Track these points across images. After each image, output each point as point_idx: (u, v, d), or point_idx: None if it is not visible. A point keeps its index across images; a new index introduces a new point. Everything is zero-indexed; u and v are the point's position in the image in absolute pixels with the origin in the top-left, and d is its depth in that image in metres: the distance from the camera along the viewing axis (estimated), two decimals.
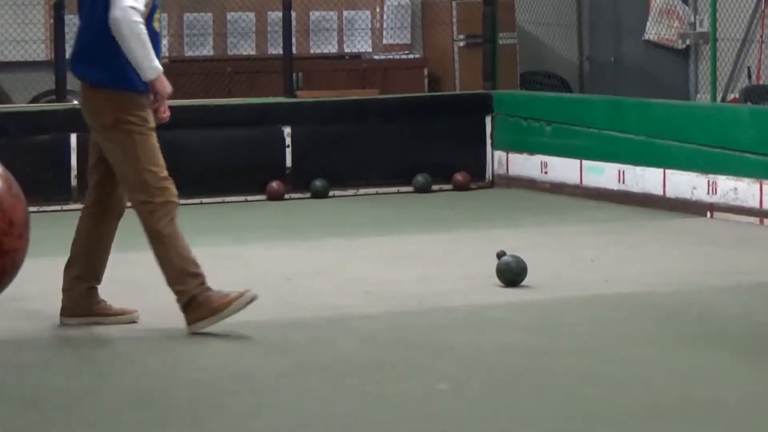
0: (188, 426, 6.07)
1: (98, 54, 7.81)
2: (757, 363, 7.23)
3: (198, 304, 7.75)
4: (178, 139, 13.37)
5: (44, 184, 12.25)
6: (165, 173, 7.95)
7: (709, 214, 11.83)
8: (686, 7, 15.96)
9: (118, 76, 7.73)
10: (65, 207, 12.68)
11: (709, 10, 13.83)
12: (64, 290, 7.95)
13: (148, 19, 7.76)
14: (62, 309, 7.95)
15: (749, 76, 15.23)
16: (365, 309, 8.45)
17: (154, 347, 7.72)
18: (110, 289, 8.21)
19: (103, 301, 8.05)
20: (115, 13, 7.55)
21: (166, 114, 8.00)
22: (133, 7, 7.56)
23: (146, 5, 7.67)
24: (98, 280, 8.05)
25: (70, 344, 7.76)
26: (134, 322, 8.05)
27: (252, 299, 7.78)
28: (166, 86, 7.79)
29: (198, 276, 7.80)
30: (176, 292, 7.79)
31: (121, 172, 7.91)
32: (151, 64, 7.66)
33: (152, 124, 7.84)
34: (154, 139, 7.90)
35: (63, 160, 13.06)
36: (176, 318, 7.75)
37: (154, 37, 7.92)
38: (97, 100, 7.90)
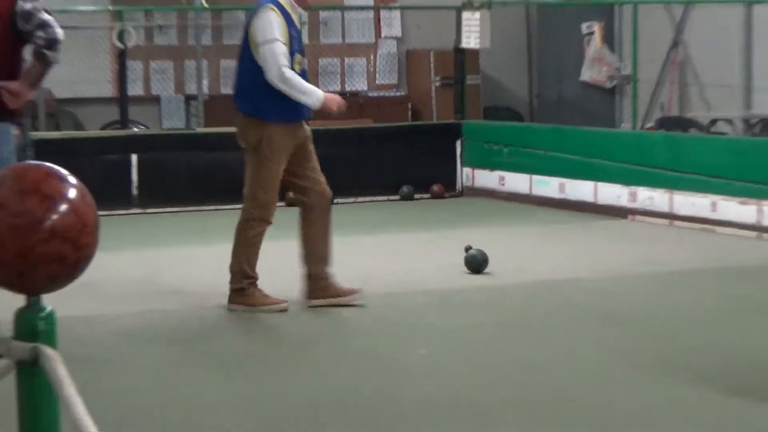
0: None
1: (248, 91, 7.80)
2: (672, 327, 7.27)
3: (243, 294, 7.84)
4: (217, 159, 13.39)
5: (111, 194, 12.20)
6: (272, 197, 7.97)
7: (630, 217, 11.83)
8: (613, 55, 15.97)
9: (263, 109, 7.72)
10: (128, 211, 12.69)
11: (631, 58, 13.85)
12: (304, 277, 8.00)
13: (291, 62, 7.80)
14: (307, 293, 7.98)
15: (662, 109, 15.26)
16: (365, 290, 8.46)
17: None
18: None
19: (335, 284, 8.01)
20: (271, 78, 7.60)
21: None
22: (282, 67, 7.59)
23: (285, 44, 7.68)
24: (327, 264, 8.04)
25: (127, 318, 7.78)
26: (359, 304, 7.97)
27: (281, 310, 7.84)
28: (333, 103, 7.83)
29: (251, 278, 7.87)
30: (232, 276, 7.89)
31: (247, 181, 8.01)
32: (311, 99, 7.74)
33: (280, 156, 7.85)
34: (276, 168, 7.89)
35: (126, 175, 13.03)
36: None
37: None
38: (247, 126, 7.93)
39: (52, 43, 6.51)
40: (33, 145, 8.44)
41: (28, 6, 6.52)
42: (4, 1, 6.53)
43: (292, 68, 7.72)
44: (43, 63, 6.59)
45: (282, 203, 13.20)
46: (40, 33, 6.47)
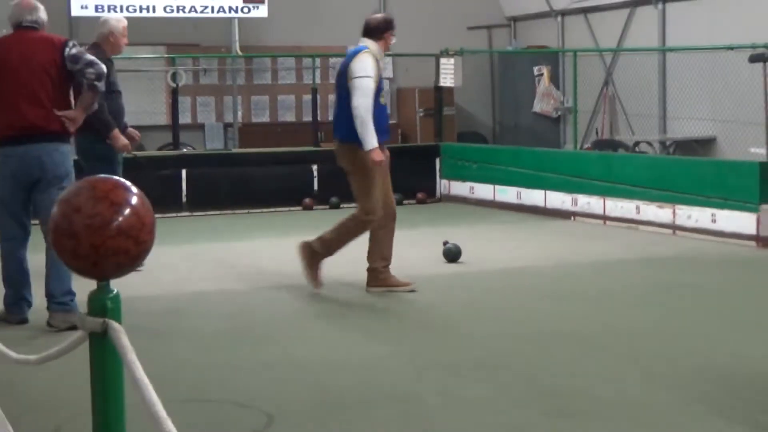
0: None
1: (345, 123, 7.73)
2: (603, 304, 7.25)
3: (377, 276, 7.88)
4: (250, 172, 13.41)
5: (165, 200, 12.19)
6: (375, 203, 7.84)
7: (572, 218, 11.82)
8: (558, 92, 15.97)
9: (356, 136, 7.64)
10: (178, 214, 12.66)
11: (572, 94, 13.85)
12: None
13: (376, 96, 7.73)
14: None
15: (597, 134, 15.26)
16: (364, 276, 8.43)
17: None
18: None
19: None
20: (355, 105, 7.58)
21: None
22: (367, 103, 7.59)
23: (375, 81, 7.68)
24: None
25: (177, 298, 7.76)
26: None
27: (409, 291, 7.81)
28: (377, 156, 7.68)
29: (385, 260, 7.93)
30: (371, 263, 7.94)
31: (354, 195, 7.99)
32: (367, 141, 7.62)
33: (374, 170, 7.77)
34: (372, 179, 7.81)
35: (177, 185, 13.01)
36: None
37: (383, 110, 7.99)
38: (343, 151, 7.90)
39: (100, 77, 6.60)
40: (122, 163, 8.53)
41: (74, 51, 6.61)
42: (56, 50, 6.60)
43: (377, 100, 7.74)
44: (94, 92, 6.65)
45: (299, 207, 13.35)
46: (90, 70, 6.54)
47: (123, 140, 8.35)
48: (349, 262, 8.32)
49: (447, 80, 14.02)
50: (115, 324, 2.61)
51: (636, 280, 8.36)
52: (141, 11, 14.32)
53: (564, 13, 15.98)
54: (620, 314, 7.07)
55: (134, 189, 2.77)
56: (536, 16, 16.54)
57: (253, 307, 7.44)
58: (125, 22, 8.83)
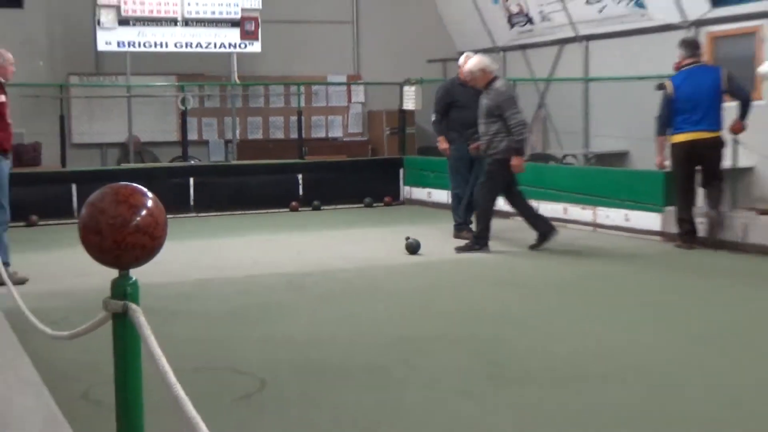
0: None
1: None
2: (539, 289, 7.25)
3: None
4: (246, 180, 13.36)
5: (176, 203, 12.15)
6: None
7: (511, 218, 11.79)
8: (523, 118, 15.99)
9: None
10: (187, 215, 12.61)
11: None
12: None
13: None
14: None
15: (532, 148, 15.24)
16: (342, 266, 8.43)
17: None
18: None
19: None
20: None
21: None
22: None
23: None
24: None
25: (187, 284, 7.69)
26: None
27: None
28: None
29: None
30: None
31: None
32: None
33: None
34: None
35: (185, 191, 12.98)
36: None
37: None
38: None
39: None
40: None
41: None
42: None
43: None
44: None
45: (287, 209, 13.32)
46: None
47: None
48: (337, 253, 8.31)
49: (409, 104, 14.01)
50: (134, 306, 2.60)
51: (564, 268, 8.39)
52: (156, 46, 14.27)
53: (505, 49, 16.01)
54: (552, 298, 7.09)
55: (150, 194, 2.76)
56: (483, 51, 16.50)
57: (249, 291, 7.41)
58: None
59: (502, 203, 9.83)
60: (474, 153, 9.61)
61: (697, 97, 9.16)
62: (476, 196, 9.29)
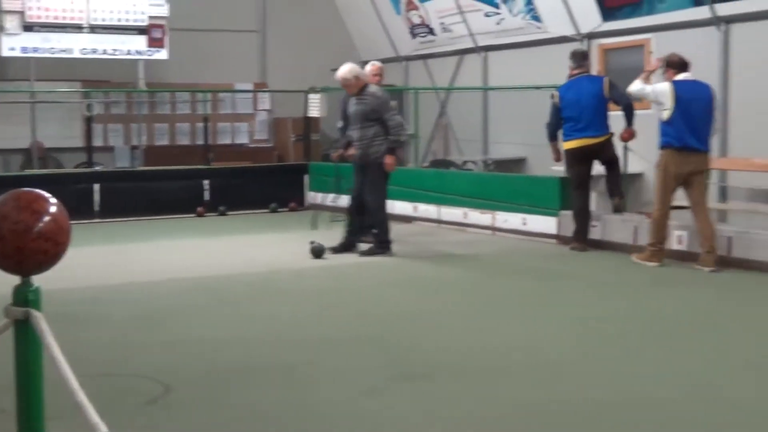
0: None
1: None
2: (438, 288, 7.33)
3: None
4: (153, 186, 13.19)
5: (81, 209, 11.89)
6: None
7: (414, 222, 11.97)
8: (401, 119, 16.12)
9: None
10: (91, 221, 12.37)
11: (414, 123, 14.03)
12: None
13: None
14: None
15: (433, 155, 15.48)
16: (248, 269, 8.40)
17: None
18: None
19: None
20: None
21: None
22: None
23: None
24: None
25: (90, 290, 7.57)
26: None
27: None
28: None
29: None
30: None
31: None
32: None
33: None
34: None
35: (90, 197, 12.75)
36: None
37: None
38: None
39: None
40: None
41: None
42: None
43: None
44: None
45: (193, 214, 13.19)
46: None
47: None
48: (242, 258, 8.25)
49: (314, 112, 14.02)
50: (35, 312, 2.57)
51: (466, 268, 8.52)
52: (61, 52, 14.01)
53: (408, 59, 16.17)
54: (452, 298, 7.19)
55: (53, 200, 2.73)
56: (386, 60, 16.50)
57: (156, 295, 7.32)
58: None
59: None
60: (337, 160, 9.61)
61: (581, 105, 9.48)
62: (368, 203, 9.25)
